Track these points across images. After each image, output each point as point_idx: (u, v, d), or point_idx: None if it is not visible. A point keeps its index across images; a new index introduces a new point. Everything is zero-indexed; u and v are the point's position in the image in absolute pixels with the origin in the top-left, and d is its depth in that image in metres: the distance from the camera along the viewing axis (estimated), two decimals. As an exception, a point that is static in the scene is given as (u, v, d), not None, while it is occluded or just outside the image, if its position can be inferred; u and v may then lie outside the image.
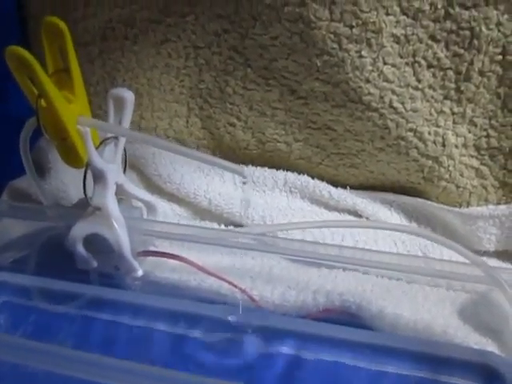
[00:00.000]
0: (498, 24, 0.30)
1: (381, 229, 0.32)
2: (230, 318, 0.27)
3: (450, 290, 0.30)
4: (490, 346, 0.26)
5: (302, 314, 0.29)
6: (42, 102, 0.21)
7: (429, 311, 0.28)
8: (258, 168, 0.38)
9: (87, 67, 0.38)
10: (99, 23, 0.36)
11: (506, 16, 0.29)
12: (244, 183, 0.22)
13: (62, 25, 0.21)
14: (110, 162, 0.26)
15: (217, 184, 0.36)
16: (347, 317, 0.28)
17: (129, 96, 0.25)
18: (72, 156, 0.23)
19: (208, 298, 0.29)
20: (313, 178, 0.37)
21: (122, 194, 0.28)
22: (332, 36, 0.31)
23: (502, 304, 0.26)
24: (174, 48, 0.36)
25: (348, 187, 0.37)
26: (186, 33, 0.36)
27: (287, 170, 0.38)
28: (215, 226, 0.35)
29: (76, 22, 0.36)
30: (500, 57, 0.30)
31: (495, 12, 0.29)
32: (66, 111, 0.21)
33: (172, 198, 0.37)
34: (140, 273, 0.27)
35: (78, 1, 0.36)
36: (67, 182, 0.35)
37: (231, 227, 0.35)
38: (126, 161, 0.27)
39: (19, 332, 0.28)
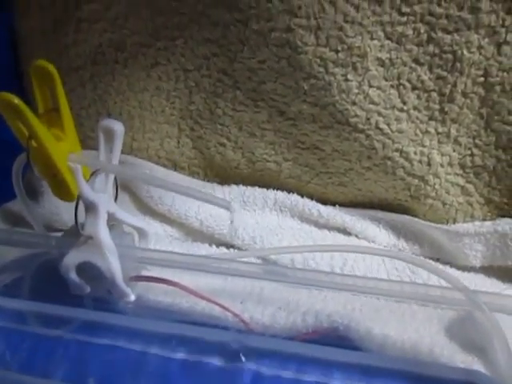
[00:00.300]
0: (480, 47, 0.30)
1: (363, 253, 0.33)
2: (223, 341, 0.28)
3: (437, 308, 0.30)
4: (476, 365, 0.26)
5: (292, 335, 0.29)
6: (33, 142, 0.21)
7: (416, 330, 0.28)
8: (249, 187, 0.38)
9: (79, 91, 0.38)
10: (90, 48, 0.37)
11: (486, 40, 0.30)
12: (231, 222, 0.23)
13: (52, 68, 0.22)
14: (101, 192, 0.26)
15: (208, 205, 0.36)
16: (336, 338, 0.28)
17: (118, 128, 0.25)
18: (63, 191, 0.23)
19: (200, 320, 0.30)
20: (302, 196, 0.38)
21: (113, 221, 0.28)
22: (318, 60, 0.32)
23: (485, 324, 0.26)
24: (164, 71, 0.37)
25: (337, 205, 0.38)
26: (176, 56, 0.36)
27: (277, 189, 0.38)
28: (206, 246, 0.35)
29: (67, 47, 0.37)
30: (482, 79, 0.31)
31: (476, 36, 0.30)
32: (56, 150, 0.22)
33: (164, 219, 0.37)
34: (132, 298, 0.28)
35: (69, 27, 0.36)
36: (60, 205, 0.36)
37: (223, 248, 0.35)
38: (117, 188, 0.28)
39: (13, 357, 0.28)
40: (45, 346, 0.28)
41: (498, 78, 0.31)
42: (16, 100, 0.19)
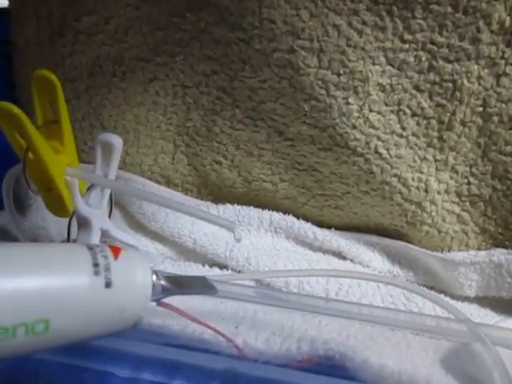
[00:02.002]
0: (479, 78, 0.31)
1: (364, 279, 0.32)
2: (214, 367, 0.27)
3: (432, 338, 0.30)
4: (473, 398, 0.26)
5: (286, 362, 0.28)
6: (30, 155, 0.21)
7: (412, 360, 0.28)
8: (244, 207, 0.38)
9: (73, 103, 0.37)
10: (87, 60, 0.36)
11: (486, 70, 0.30)
12: (236, 238, 0.22)
13: (54, 78, 0.21)
14: (95, 208, 0.25)
15: (202, 223, 0.36)
16: (331, 366, 0.28)
17: (117, 142, 0.25)
18: (58, 206, 0.22)
19: (191, 344, 0.29)
20: (298, 218, 0.37)
21: (106, 238, 0.27)
22: (320, 82, 0.32)
23: (484, 356, 0.26)
24: (162, 86, 0.36)
25: (333, 228, 0.37)
26: (175, 72, 0.36)
27: (272, 210, 0.38)
28: (200, 266, 0.35)
29: (64, 58, 0.36)
30: (481, 108, 0.31)
31: (476, 66, 0.30)
32: (54, 163, 0.21)
33: (156, 236, 0.36)
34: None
35: (67, 38, 0.36)
36: (48, 219, 0.34)
37: (216, 269, 0.34)
38: (112, 204, 0.27)
39: (-4, 380, 0.27)
40: (26, 368, 0.26)
41: (496, 109, 0.31)
42: (16, 110, 0.19)
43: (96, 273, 0.16)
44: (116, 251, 0.18)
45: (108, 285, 0.17)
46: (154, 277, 0.19)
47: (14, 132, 0.20)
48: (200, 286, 0.22)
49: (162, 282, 0.19)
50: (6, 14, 0.37)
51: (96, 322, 0.17)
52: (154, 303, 0.19)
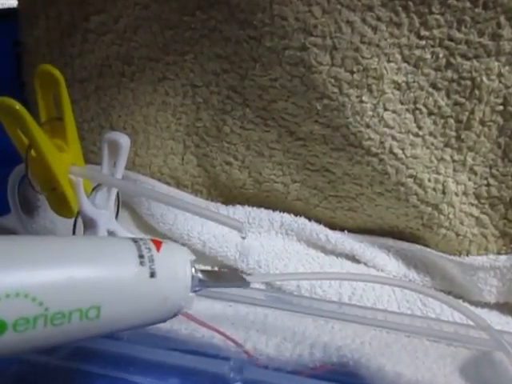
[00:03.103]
0: (499, 75, 0.29)
1: (379, 283, 0.31)
2: (223, 373, 0.26)
3: (450, 345, 0.29)
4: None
5: (298, 369, 0.27)
6: (32, 152, 0.20)
7: (429, 369, 0.27)
8: (254, 208, 0.37)
9: (82, 103, 0.37)
10: (96, 60, 0.36)
11: (507, 67, 0.29)
12: (243, 238, 0.22)
13: (58, 73, 0.21)
14: (102, 208, 0.25)
15: (211, 225, 0.35)
16: (344, 374, 0.27)
17: (124, 141, 0.24)
18: (63, 206, 0.22)
19: (200, 349, 0.28)
20: (310, 220, 0.36)
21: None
22: (333, 80, 0.31)
23: (506, 365, 0.25)
24: (172, 86, 0.36)
25: (345, 230, 0.36)
26: (185, 71, 0.35)
27: (283, 212, 0.37)
28: (209, 269, 0.34)
29: (73, 58, 0.36)
30: (501, 107, 0.30)
31: (496, 63, 0.29)
32: (58, 161, 0.20)
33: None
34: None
35: (76, 38, 0.35)
36: (56, 221, 0.34)
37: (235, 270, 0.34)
38: (118, 205, 0.26)
39: (-2, 383, 0.26)
40: (32, 372, 0.26)
41: (517, 107, 0.30)
42: (17, 106, 0.18)
43: (141, 263, 0.17)
44: (158, 244, 0.19)
45: (152, 275, 0.17)
46: (193, 269, 0.19)
47: (16, 129, 0.20)
48: (233, 279, 0.22)
49: (200, 275, 0.20)
50: (15, 14, 0.37)
51: (142, 310, 0.18)
52: (194, 294, 0.19)
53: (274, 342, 0.28)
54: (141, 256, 0.18)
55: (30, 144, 0.20)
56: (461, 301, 0.33)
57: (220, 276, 0.22)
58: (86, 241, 0.18)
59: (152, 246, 0.18)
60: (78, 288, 0.16)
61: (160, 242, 0.19)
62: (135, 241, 0.18)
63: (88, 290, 0.16)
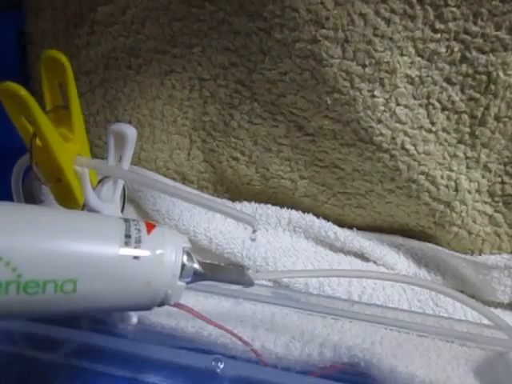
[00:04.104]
0: (516, 69, 0.29)
1: (399, 282, 0.30)
2: (229, 373, 0.25)
3: (463, 345, 0.28)
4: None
5: (307, 369, 0.27)
6: (37, 141, 0.19)
7: (443, 370, 0.26)
8: (261, 205, 0.36)
9: (88, 96, 0.36)
10: (102, 52, 0.35)
11: (523, 61, 0.28)
12: (254, 232, 0.21)
13: (64, 59, 0.20)
14: (107, 201, 0.24)
15: (218, 221, 0.34)
16: (355, 374, 0.26)
17: (131, 133, 0.23)
18: (67, 198, 0.21)
19: (206, 348, 0.27)
20: (318, 217, 0.36)
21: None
22: (344, 74, 0.30)
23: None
24: (179, 79, 0.35)
25: (354, 228, 0.35)
26: (192, 64, 0.35)
27: (291, 208, 0.36)
28: (209, 262, 0.33)
29: (79, 49, 0.35)
30: (517, 102, 0.29)
31: (513, 57, 0.28)
32: (63, 151, 0.20)
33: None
34: (135, 320, 0.25)
35: (82, 29, 0.35)
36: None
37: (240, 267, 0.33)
38: (124, 199, 0.26)
39: (1, 381, 0.25)
40: (35, 370, 0.25)
41: (533, 103, 0.29)
42: (22, 91, 0.17)
43: (127, 243, 0.17)
44: (150, 226, 0.18)
45: (136, 256, 0.17)
46: (186, 257, 0.18)
47: (21, 116, 0.19)
48: (236, 275, 0.21)
49: (195, 266, 0.19)
50: (21, 4, 0.36)
51: (122, 291, 0.17)
52: (184, 284, 0.19)
53: (282, 341, 0.27)
54: (127, 236, 0.17)
55: (34, 132, 0.19)
56: (473, 300, 0.32)
57: (221, 271, 0.21)
58: (72, 214, 0.18)
59: (143, 227, 0.18)
60: (55, 259, 0.16)
61: (153, 225, 0.18)
62: (126, 220, 0.18)
63: (65, 262, 0.16)
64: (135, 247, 0.17)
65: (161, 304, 0.18)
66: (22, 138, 0.21)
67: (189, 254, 0.19)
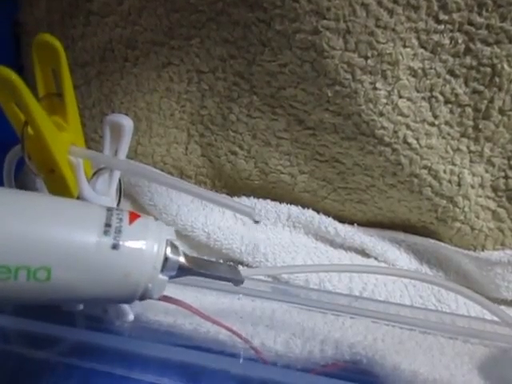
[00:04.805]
0: (521, 61, 0.28)
1: (403, 277, 0.30)
2: (229, 371, 0.24)
3: (466, 342, 0.28)
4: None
5: (308, 367, 0.26)
6: (29, 130, 0.19)
7: (447, 367, 0.25)
8: (260, 200, 0.36)
9: (83, 89, 0.35)
10: (99, 43, 0.34)
11: (529, 53, 0.28)
12: (256, 223, 0.20)
13: (57, 44, 0.19)
14: (102, 195, 0.23)
15: (216, 216, 0.34)
16: (357, 372, 0.25)
17: (127, 123, 0.23)
18: (61, 190, 0.20)
19: (205, 345, 0.26)
20: (318, 212, 0.35)
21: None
22: (345, 66, 0.30)
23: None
24: (177, 72, 0.34)
25: (355, 224, 0.35)
26: (190, 56, 0.34)
27: (290, 204, 0.35)
28: (196, 256, 0.32)
29: (74, 40, 0.34)
30: (522, 95, 0.29)
31: (518, 49, 0.28)
32: (57, 140, 0.19)
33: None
34: (131, 317, 0.25)
35: (78, 19, 0.34)
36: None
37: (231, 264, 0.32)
38: (120, 192, 0.25)
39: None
40: (29, 369, 0.24)
41: (538, 96, 0.29)
42: (13, 76, 0.17)
43: (105, 232, 0.16)
44: (133, 216, 0.17)
45: (115, 246, 0.16)
46: (169, 249, 0.18)
47: (11, 103, 0.18)
48: (226, 272, 0.20)
49: (181, 259, 0.18)
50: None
51: (98, 282, 0.17)
52: (166, 278, 0.18)
53: (282, 338, 0.27)
54: (107, 225, 0.16)
55: (26, 120, 0.18)
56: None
57: (210, 266, 0.20)
58: (54, 199, 0.17)
59: (126, 217, 0.17)
60: (28, 245, 0.15)
61: (137, 216, 0.17)
62: (109, 209, 0.17)
63: (38, 249, 0.15)
64: (115, 237, 0.16)
65: (142, 298, 0.18)
66: (14, 131, 0.20)
67: (174, 247, 0.18)
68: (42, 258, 0.15)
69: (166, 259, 0.17)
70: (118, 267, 0.16)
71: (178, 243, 0.18)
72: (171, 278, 0.18)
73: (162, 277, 0.17)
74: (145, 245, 0.17)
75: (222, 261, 0.33)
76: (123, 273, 0.16)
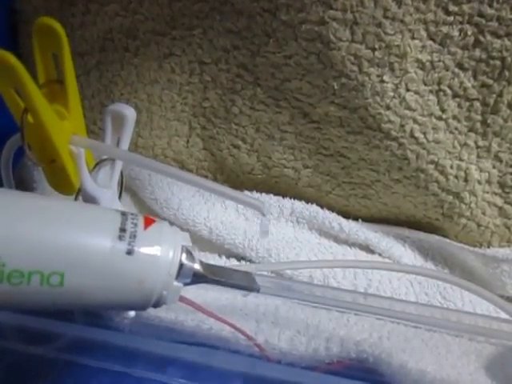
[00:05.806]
0: (532, 55, 0.28)
1: (409, 273, 0.29)
2: (232, 368, 0.24)
3: (472, 340, 0.27)
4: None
5: (313, 364, 0.25)
6: (29, 118, 0.18)
7: (454, 366, 0.25)
8: (263, 195, 0.35)
9: (83, 79, 0.35)
10: (98, 32, 0.34)
11: (539, 46, 0.27)
12: (264, 216, 0.19)
13: (59, 27, 0.18)
14: (104, 187, 0.22)
15: (218, 211, 0.33)
16: (363, 370, 0.25)
17: (130, 113, 0.22)
18: (62, 181, 0.20)
19: (207, 342, 0.26)
20: (322, 207, 0.34)
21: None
22: (352, 58, 0.29)
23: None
24: (178, 63, 0.34)
25: (359, 219, 0.34)
26: (192, 47, 0.33)
27: (294, 198, 0.35)
28: (216, 257, 0.32)
29: (73, 29, 0.34)
30: (531, 89, 0.28)
31: (529, 42, 0.27)
32: (57, 129, 0.18)
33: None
34: (132, 313, 0.24)
35: (77, 7, 0.33)
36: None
37: (233, 260, 0.32)
38: (122, 185, 0.24)
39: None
40: (27, 365, 0.24)
41: (548, 90, 0.28)
42: (12, 59, 0.16)
43: (120, 237, 0.16)
44: (148, 222, 0.17)
45: (130, 252, 0.16)
46: (185, 256, 0.17)
47: (11, 89, 0.18)
48: (241, 280, 0.20)
49: (196, 266, 0.17)
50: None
51: (112, 288, 0.16)
52: (181, 284, 0.17)
53: (286, 336, 0.26)
54: (122, 230, 0.16)
55: (26, 107, 0.17)
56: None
57: (225, 274, 0.20)
58: (66, 203, 0.17)
59: (140, 222, 0.16)
60: (42, 249, 0.15)
61: (152, 221, 0.17)
62: (123, 214, 0.17)
63: (51, 253, 0.15)
64: (129, 242, 0.16)
65: (156, 305, 0.17)
66: (13, 119, 0.19)
67: (189, 253, 0.17)
68: (55, 262, 0.15)
69: (181, 266, 0.17)
70: (132, 273, 0.16)
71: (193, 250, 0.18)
72: (186, 284, 0.17)
73: (177, 284, 0.17)
74: (160, 251, 0.16)
75: (237, 270, 0.32)
76: (137, 279, 0.16)
